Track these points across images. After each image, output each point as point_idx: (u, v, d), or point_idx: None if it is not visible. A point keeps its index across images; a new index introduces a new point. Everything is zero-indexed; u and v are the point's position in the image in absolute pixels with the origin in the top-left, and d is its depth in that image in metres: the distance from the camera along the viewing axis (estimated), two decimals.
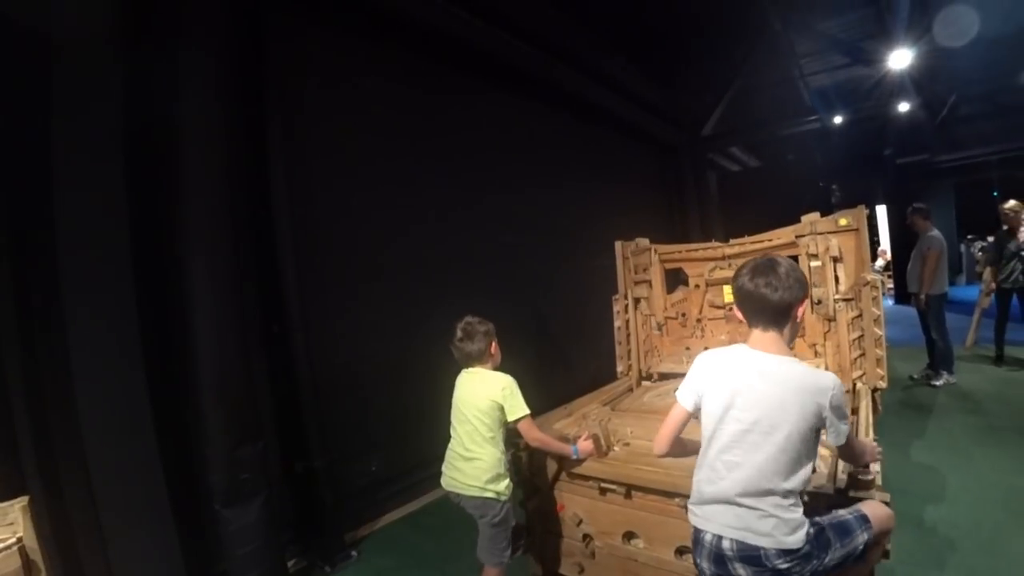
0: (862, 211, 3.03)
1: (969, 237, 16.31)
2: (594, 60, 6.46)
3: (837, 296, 3.00)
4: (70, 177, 2.45)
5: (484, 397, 2.24)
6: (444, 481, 2.37)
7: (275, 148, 3.35)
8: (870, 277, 2.92)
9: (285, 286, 3.32)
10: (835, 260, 3.04)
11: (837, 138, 10.11)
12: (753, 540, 1.46)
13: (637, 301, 3.61)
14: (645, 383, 3.53)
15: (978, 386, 5.43)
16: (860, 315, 2.96)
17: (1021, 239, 5.74)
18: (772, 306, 1.53)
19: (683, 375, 3.07)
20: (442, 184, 4.60)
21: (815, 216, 3.19)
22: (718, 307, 3.40)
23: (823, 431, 1.53)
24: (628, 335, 3.60)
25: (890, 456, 3.43)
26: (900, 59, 7.35)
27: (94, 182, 2.54)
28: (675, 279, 3.82)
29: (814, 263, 3.05)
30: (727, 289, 3.32)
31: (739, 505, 1.50)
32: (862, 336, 2.95)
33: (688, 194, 9.17)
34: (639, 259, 3.64)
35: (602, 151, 7.29)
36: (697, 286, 3.47)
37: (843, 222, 3.10)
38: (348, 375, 3.76)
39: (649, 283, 3.57)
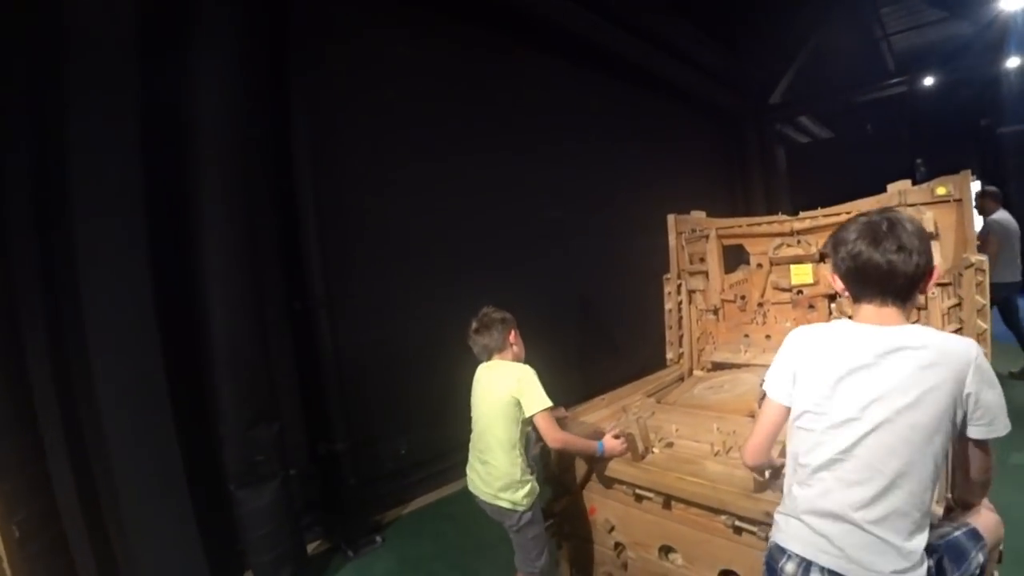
0: (967, 177, 2.52)
1: None
2: (651, 21, 5.94)
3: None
4: (84, 146, 2.33)
5: (500, 390, 2.00)
6: (468, 479, 2.18)
7: (298, 117, 3.18)
8: (975, 258, 2.43)
9: (308, 262, 3.17)
10: (930, 237, 2.56)
11: (924, 105, 9.05)
12: (855, 574, 1.13)
13: (691, 293, 3.23)
14: (697, 372, 3.17)
15: None
16: (959, 304, 2.49)
17: None
18: (904, 276, 1.17)
19: (739, 366, 2.67)
20: (481, 154, 4.33)
21: (905, 184, 2.70)
22: (784, 290, 2.97)
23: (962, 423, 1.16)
24: (680, 319, 3.24)
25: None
26: None
27: (108, 153, 2.41)
28: (736, 258, 3.39)
29: None
30: (795, 269, 2.89)
31: (855, 525, 1.14)
32: (960, 329, 2.47)
33: (752, 167, 8.49)
34: (694, 249, 3.23)
35: (659, 121, 6.80)
36: (760, 265, 3.05)
37: (941, 191, 2.59)
38: (376, 355, 3.60)
39: (706, 275, 3.17)
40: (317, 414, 3.25)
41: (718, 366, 3.10)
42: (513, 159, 4.59)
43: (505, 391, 1.98)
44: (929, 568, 1.14)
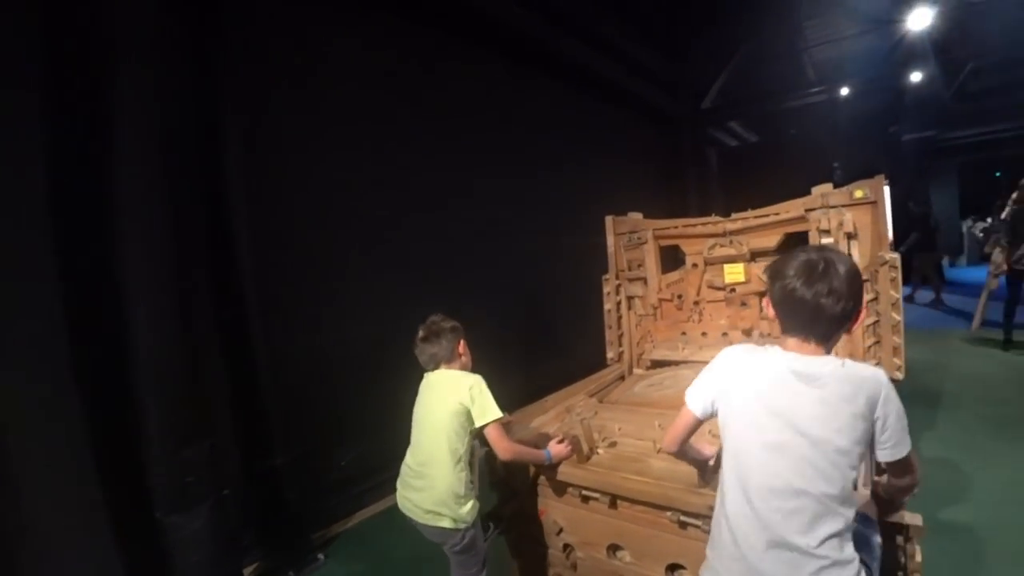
0: (881, 181, 2.71)
1: (971, 218, 16.08)
2: (594, 25, 6.06)
3: None
4: None
5: (448, 400, 1.92)
6: (398, 501, 2.05)
7: (229, 111, 3.01)
8: (889, 256, 2.61)
9: (240, 269, 3.01)
10: (849, 237, 2.73)
11: (842, 113, 9.72)
12: None
13: (631, 299, 3.31)
14: (637, 371, 3.24)
15: (989, 373, 5.18)
16: (876, 298, 2.67)
17: None
18: (830, 318, 1.23)
19: (677, 362, 2.75)
20: (423, 154, 4.25)
21: (827, 187, 2.86)
22: (718, 288, 3.09)
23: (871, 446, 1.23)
24: (619, 318, 3.30)
25: None
26: (920, 19, 6.91)
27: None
28: (671, 259, 3.50)
29: (825, 239, 2.74)
30: (728, 268, 3.01)
31: (795, 551, 1.16)
32: (877, 322, 2.66)
33: (687, 169, 8.82)
34: (632, 255, 3.32)
35: (599, 122, 6.92)
36: (695, 265, 3.16)
37: (859, 194, 2.77)
38: (317, 364, 3.45)
39: (644, 282, 3.26)
40: (253, 429, 3.09)
41: (657, 364, 3.18)
42: (455, 160, 4.54)
43: (455, 401, 1.91)
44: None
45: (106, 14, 2.35)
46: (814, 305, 1.22)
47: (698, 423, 1.43)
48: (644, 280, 3.28)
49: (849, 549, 1.18)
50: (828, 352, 1.27)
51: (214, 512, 2.55)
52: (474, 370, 2.08)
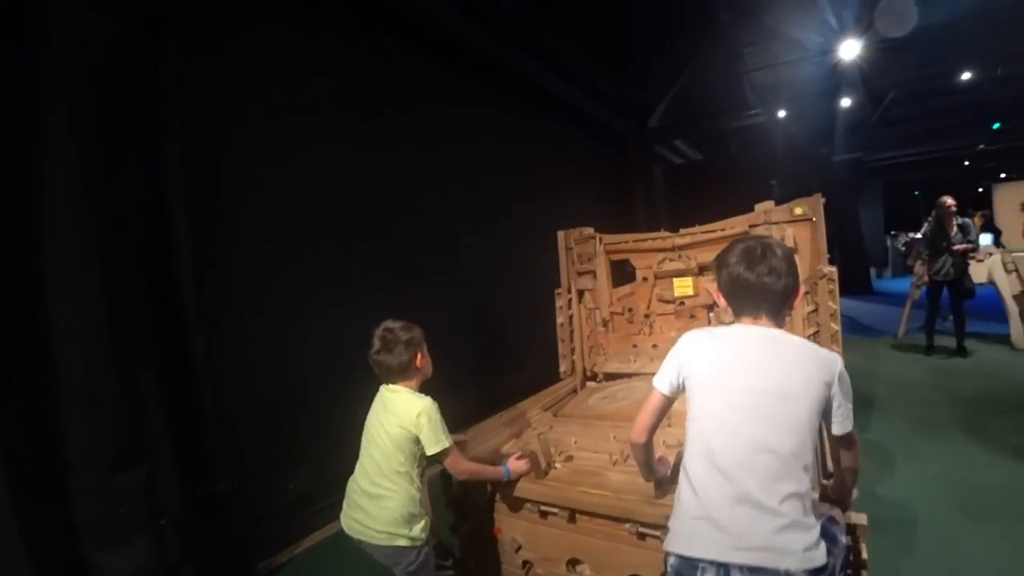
0: (819, 200, 2.88)
1: (893, 233, 17.25)
2: (545, 43, 6.18)
3: None
4: None
5: (397, 425, 1.86)
6: (344, 522, 1.96)
7: (171, 115, 2.85)
8: (827, 269, 2.77)
9: (180, 281, 2.85)
10: (794, 260, 2.87)
11: (779, 134, 10.29)
12: (774, 562, 1.18)
13: (581, 294, 3.35)
14: (590, 384, 3.27)
15: (915, 377, 5.54)
16: (816, 309, 2.81)
17: (952, 234, 5.90)
18: (774, 295, 1.37)
19: (629, 375, 2.81)
20: (373, 165, 4.18)
21: (769, 204, 3.02)
22: (667, 301, 3.17)
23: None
24: (571, 332, 3.34)
25: None
26: (849, 50, 7.46)
27: None
28: (622, 273, 3.58)
29: None
30: (677, 282, 3.10)
31: (763, 509, 1.21)
32: (818, 332, 2.80)
33: (635, 185, 9.08)
34: (583, 249, 3.38)
35: (552, 138, 7.02)
36: (645, 279, 3.24)
37: (798, 211, 2.95)
38: (264, 381, 3.29)
39: (594, 275, 3.31)
40: (194, 452, 2.90)
41: (610, 376, 3.23)
42: (408, 172, 4.49)
43: (403, 426, 1.85)
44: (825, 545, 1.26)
45: (32, 5, 2.20)
46: (759, 285, 1.36)
47: (667, 402, 1.49)
48: (594, 274, 3.34)
49: (811, 517, 1.25)
50: (779, 327, 1.40)
51: (151, 545, 2.38)
52: (431, 384, 2.03)
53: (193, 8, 3.06)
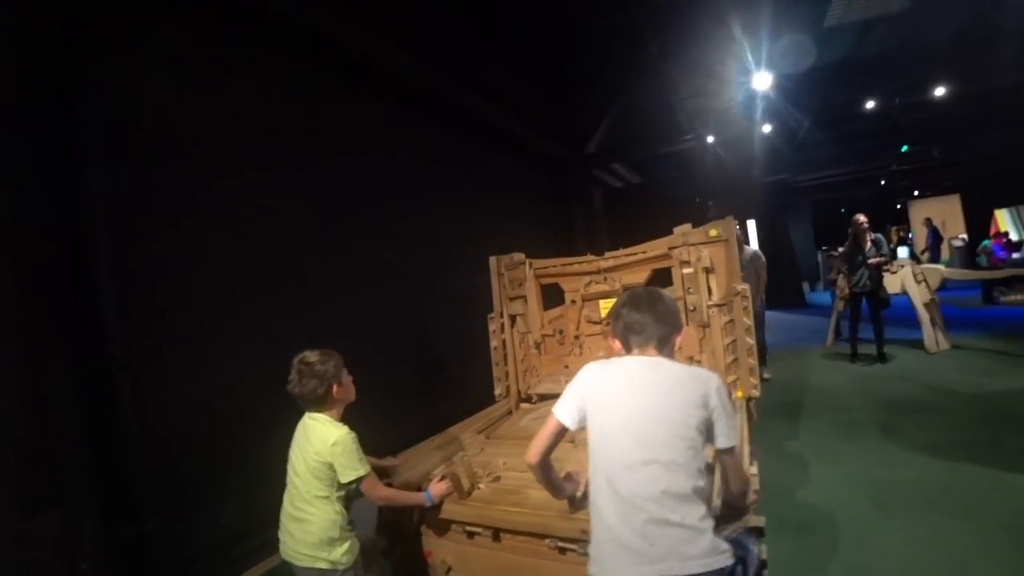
0: (731, 222, 3.04)
1: (824, 248, 18.31)
2: (480, 73, 6.31)
3: (710, 303, 2.98)
4: None
5: (313, 453, 1.90)
6: (280, 544, 2.02)
7: (94, 140, 2.73)
8: (740, 287, 2.91)
9: (101, 311, 2.70)
10: (707, 271, 3.01)
11: (712, 157, 10.83)
12: (682, 570, 1.25)
13: (513, 319, 3.40)
14: (524, 405, 3.30)
15: (840, 384, 5.85)
16: (731, 321, 2.95)
17: (867, 249, 6.34)
18: (658, 335, 1.55)
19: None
20: (306, 195, 4.12)
21: (687, 227, 3.16)
22: (595, 322, 3.27)
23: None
24: (505, 355, 3.37)
25: (769, 460, 3.46)
26: (762, 81, 8.01)
27: None
28: (557, 295, 3.65)
29: (687, 270, 3.01)
30: (604, 304, 3.20)
31: (656, 523, 1.29)
32: (735, 342, 2.93)
33: (574, 209, 9.28)
34: (514, 274, 3.44)
35: (489, 164, 7.12)
36: (573, 301, 3.33)
37: (713, 233, 3.09)
38: (193, 414, 3.12)
39: (525, 299, 3.37)
40: (118, 491, 2.72)
41: (543, 397, 3.27)
42: (339, 201, 4.45)
43: (322, 453, 1.89)
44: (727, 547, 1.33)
45: None
46: (645, 323, 1.55)
47: (562, 430, 1.56)
48: (524, 299, 3.41)
49: (709, 521, 1.33)
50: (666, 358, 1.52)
51: None
52: (369, 413, 2.03)
53: (122, 45, 2.98)
